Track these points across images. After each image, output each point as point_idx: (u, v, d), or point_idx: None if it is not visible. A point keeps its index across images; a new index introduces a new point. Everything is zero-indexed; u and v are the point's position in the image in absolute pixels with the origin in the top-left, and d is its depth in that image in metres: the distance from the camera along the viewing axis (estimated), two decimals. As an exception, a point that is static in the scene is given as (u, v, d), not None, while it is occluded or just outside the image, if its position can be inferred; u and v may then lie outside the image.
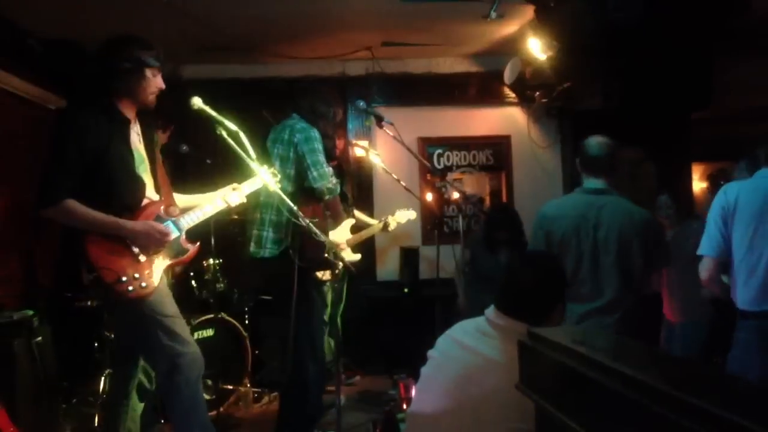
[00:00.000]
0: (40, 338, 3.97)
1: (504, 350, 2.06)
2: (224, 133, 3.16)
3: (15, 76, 4.91)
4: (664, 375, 1.10)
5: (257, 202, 3.74)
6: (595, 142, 3.37)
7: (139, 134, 3.15)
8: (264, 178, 3.27)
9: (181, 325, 3.10)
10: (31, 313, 4.01)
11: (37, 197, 2.88)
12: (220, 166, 4.67)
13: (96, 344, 4.55)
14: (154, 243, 2.99)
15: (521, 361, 1.61)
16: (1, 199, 4.87)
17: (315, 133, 3.95)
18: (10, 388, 3.62)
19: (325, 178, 3.88)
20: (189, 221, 3.19)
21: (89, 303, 4.57)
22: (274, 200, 3.71)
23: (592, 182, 3.34)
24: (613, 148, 3.36)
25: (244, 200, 3.43)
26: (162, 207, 3.12)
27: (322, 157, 3.90)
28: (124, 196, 2.99)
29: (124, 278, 2.86)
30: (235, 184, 3.41)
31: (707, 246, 3.25)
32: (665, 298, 4.67)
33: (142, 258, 2.96)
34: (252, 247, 3.93)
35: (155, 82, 3.08)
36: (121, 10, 4.66)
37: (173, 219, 3.12)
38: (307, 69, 6.17)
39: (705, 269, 3.26)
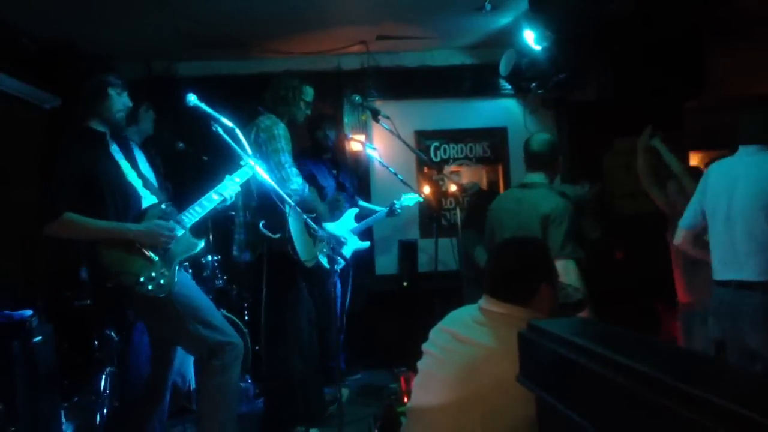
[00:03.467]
0: (39, 338, 3.97)
1: (500, 337, 2.08)
2: (220, 130, 3.17)
3: (9, 75, 4.89)
4: (664, 366, 1.10)
5: (234, 205, 3.73)
6: (538, 138, 3.59)
7: (117, 148, 3.23)
8: (264, 175, 3.29)
9: (215, 316, 3.19)
10: (29, 313, 4.01)
11: (41, 216, 2.99)
12: (216, 163, 4.66)
13: (96, 343, 4.55)
14: (162, 241, 3.05)
15: (521, 352, 1.61)
16: (-2, 199, 4.87)
17: (280, 130, 3.87)
18: (10, 388, 3.62)
19: (288, 180, 3.78)
20: (190, 217, 3.26)
21: (88, 302, 4.57)
22: (248, 201, 3.74)
23: (528, 177, 3.57)
24: (554, 146, 3.58)
25: (238, 189, 3.45)
26: (161, 207, 3.19)
27: (285, 156, 3.82)
28: (122, 205, 3.07)
29: (142, 279, 2.94)
30: (227, 176, 3.43)
31: (683, 218, 3.63)
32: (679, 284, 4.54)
33: (155, 257, 3.03)
34: (234, 250, 3.98)
35: (121, 100, 3.20)
36: (114, 8, 4.65)
37: (174, 217, 3.19)
38: (301, 64, 6.14)
39: (677, 238, 3.68)
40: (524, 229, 3.33)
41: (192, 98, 3.21)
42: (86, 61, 5.50)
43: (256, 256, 3.89)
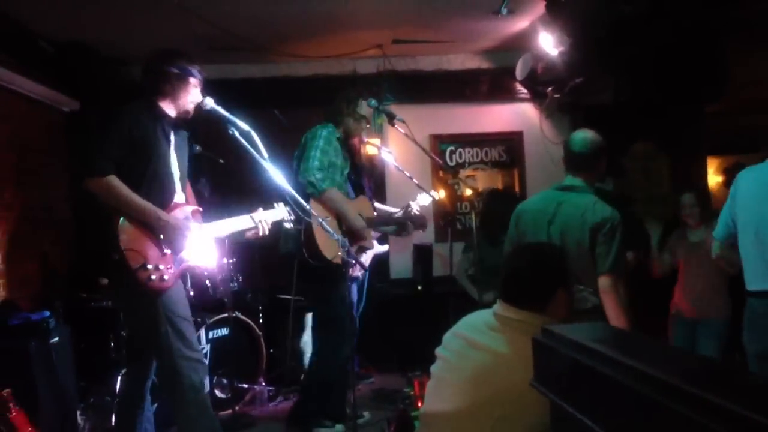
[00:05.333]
0: (56, 339, 4.00)
1: (514, 344, 2.06)
2: (236, 133, 3.18)
3: (27, 78, 4.94)
4: (679, 371, 1.09)
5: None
6: (579, 138, 3.22)
7: (174, 136, 3.26)
8: (279, 179, 3.29)
9: (190, 330, 3.14)
10: (47, 314, 4.05)
11: (83, 167, 2.99)
12: (232, 167, 4.69)
13: (112, 344, 4.58)
14: (182, 240, 3.05)
15: (535, 357, 1.60)
16: (17, 201, 4.91)
17: (324, 132, 3.97)
18: (28, 388, 3.65)
19: (308, 171, 3.84)
20: (213, 230, 3.27)
21: (105, 303, 4.61)
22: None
23: (567, 179, 3.22)
24: (598, 145, 3.18)
25: (266, 232, 3.50)
26: (190, 211, 3.21)
27: (315, 152, 3.89)
28: (157, 190, 3.07)
29: (148, 266, 2.91)
30: (260, 210, 3.47)
31: (716, 229, 3.53)
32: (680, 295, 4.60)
33: (167, 251, 3.02)
34: (281, 243, 4.09)
35: (195, 93, 3.26)
36: (132, 11, 4.69)
37: (200, 224, 3.21)
38: (318, 68, 6.18)
39: (714, 250, 3.57)
40: (566, 235, 3.05)
41: (208, 101, 3.24)
42: (104, 63, 5.57)
43: (288, 252, 4.01)
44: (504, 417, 1.99)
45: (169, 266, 3.00)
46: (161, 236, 3.00)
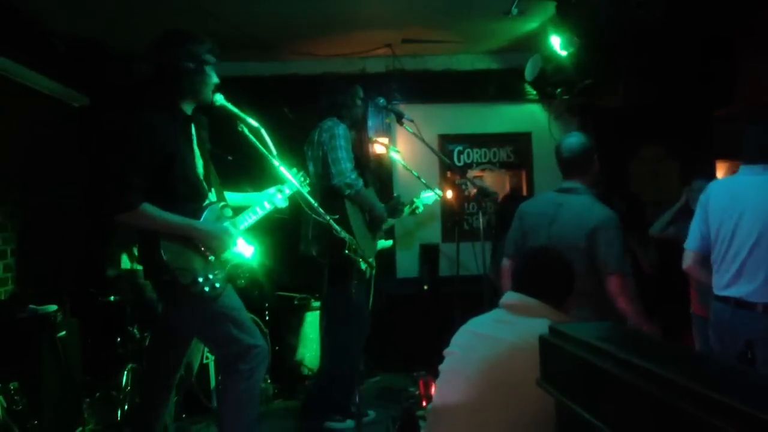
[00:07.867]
0: (63, 333, 4.02)
1: (524, 332, 2.07)
2: (246, 130, 3.17)
3: (39, 74, 4.97)
4: (685, 370, 1.09)
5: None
6: (569, 143, 3.32)
7: (195, 134, 3.16)
8: (288, 176, 3.30)
9: (246, 318, 3.15)
10: (55, 308, 4.06)
11: (111, 201, 2.85)
12: (241, 163, 4.69)
13: (119, 339, 4.60)
14: (222, 244, 3.03)
15: (542, 356, 1.60)
16: (27, 195, 4.93)
17: (340, 130, 4.07)
18: (35, 382, 3.67)
19: (343, 174, 3.96)
20: (244, 222, 3.25)
21: (112, 298, 4.63)
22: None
23: (566, 182, 3.31)
24: (588, 148, 3.28)
25: (287, 202, 3.47)
26: (220, 208, 3.16)
27: (342, 153, 4.00)
28: (189, 197, 3.01)
29: (200, 279, 2.90)
30: (279, 186, 3.43)
31: (688, 240, 3.48)
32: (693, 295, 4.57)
33: (212, 258, 3.00)
34: (301, 246, 4.21)
35: (213, 78, 3.11)
36: (142, 8, 4.70)
37: (231, 220, 3.18)
38: (327, 66, 6.18)
39: (685, 261, 3.49)
40: (565, 237, 3.06)
41: (218, 98, 3.20)
42: (114, 60, 5.59)
43: (319, 251, 4.08)
44: (512, 404, 2.01)
45: (217, 272, 2.99)
46: (201, 246, 2.98)
